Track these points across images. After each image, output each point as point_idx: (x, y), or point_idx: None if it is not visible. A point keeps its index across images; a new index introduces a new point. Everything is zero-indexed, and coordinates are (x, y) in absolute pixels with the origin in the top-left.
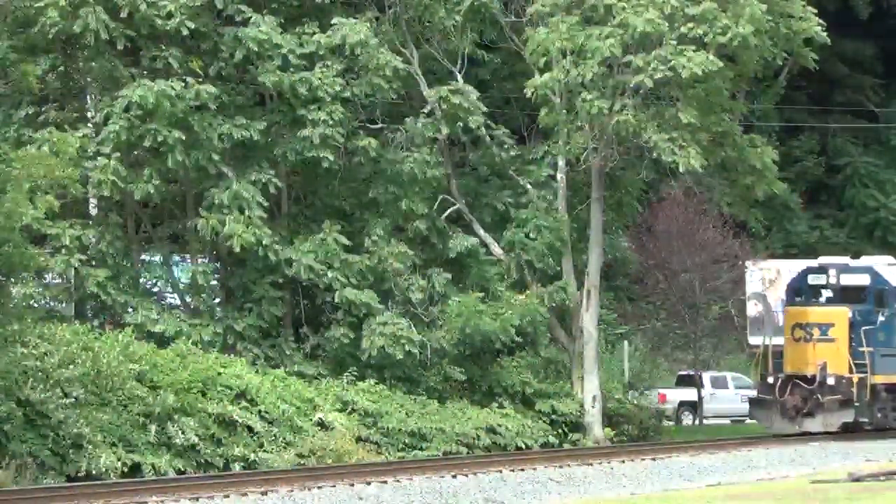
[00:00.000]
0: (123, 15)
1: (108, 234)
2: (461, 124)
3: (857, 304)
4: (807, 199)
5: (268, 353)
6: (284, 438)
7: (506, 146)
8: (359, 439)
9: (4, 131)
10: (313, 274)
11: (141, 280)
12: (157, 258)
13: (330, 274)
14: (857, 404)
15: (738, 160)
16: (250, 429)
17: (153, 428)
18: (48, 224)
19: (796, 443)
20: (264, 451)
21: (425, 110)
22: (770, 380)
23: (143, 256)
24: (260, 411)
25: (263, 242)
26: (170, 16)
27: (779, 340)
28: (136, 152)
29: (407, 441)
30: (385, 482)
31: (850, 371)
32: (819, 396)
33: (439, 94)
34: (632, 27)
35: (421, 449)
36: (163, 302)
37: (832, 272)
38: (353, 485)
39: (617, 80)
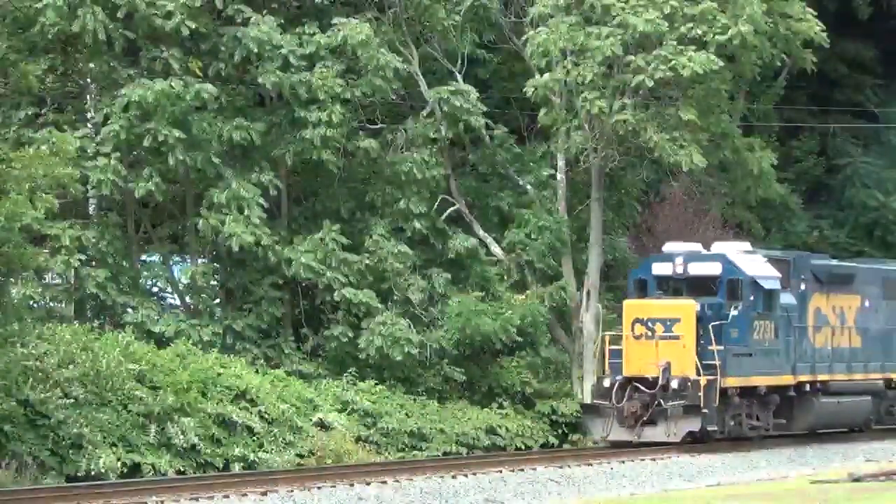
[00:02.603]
0: (121, 15)
1: (107, 234)
2: (461, 124)
3: (706, 296)
4: (807, 199)
5: (267, 353)
6: (284, 438)
7: (506, 146)
8: (359, 439)
9: (4, 131)
10: (312, 274)
11: (141, 280)
12: (157, 258)
13: (329, 274)
14: (705, 411)
15: (736, 163)
16: (250, 429)
17: (153, 428)
18: (48, 224)
19: (796, 443)
20: (264, 451)
21: (425, 111)
22: (606, 383)
23: (142, 256)
24: (260, 411)
25: (263, 242)
26: (169, 16)
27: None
28: (135, 152)
29: (407, 441)
30: (385, 482)
31: (698, 373)
32: (661, 402)
33: (439, 95)
34: (632, 27)
35: (421, 449)
36: (163, 302)
37: (678, 260)
38: (353, 485)
39: (617, 79)
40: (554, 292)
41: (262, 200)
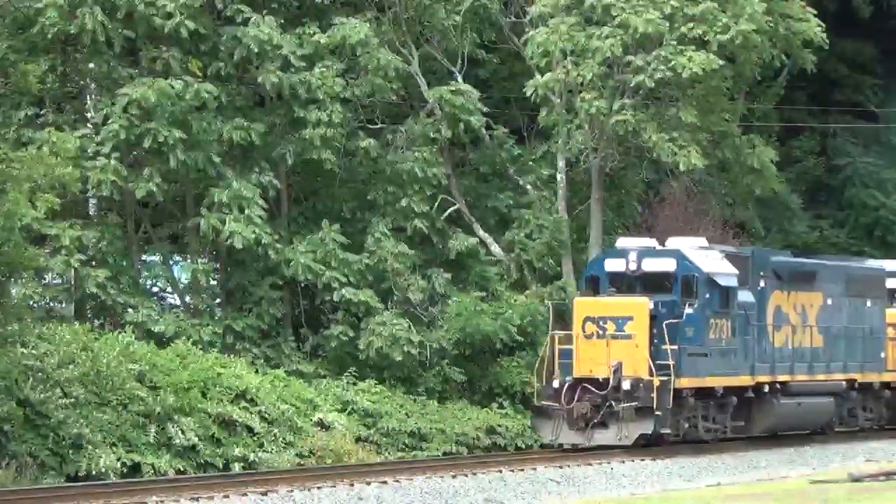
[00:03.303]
0: (121, 15)
1: (107, 234)
2: (461, 124)
3: (661, 294)
4: (807, 199)
5: (267, 353)
6: (284, 438)
7: (506, 146)
8: (359, 439)
9: (4, 131)
10: (312, 274)
11: (141, 280)
12: (157, 258)
13: (329, 273)
14: (658, 413)
15: (736, 161)
16: (250, 429)
17: (153, 428)
18: (48, 224)
19: (796, 443)
20: (264, 451)
21: (425, 110)
22: (556, 384)
23: (143, 256)
24: (260, 411)
25: (263, 242)
26: (169, 16)
27: None
28: (135, 152)
29: (407, 441)
30: (385, 482)
31: (651, 373)
32: (613, 404)
33: (439, 95)
34: (632, 27)
35: (421, 449)
36: (163, 302)
37: (632, 256)
38: (353, 485)
39: (617, 79)
40: (554, 292)
41: (261, 201)
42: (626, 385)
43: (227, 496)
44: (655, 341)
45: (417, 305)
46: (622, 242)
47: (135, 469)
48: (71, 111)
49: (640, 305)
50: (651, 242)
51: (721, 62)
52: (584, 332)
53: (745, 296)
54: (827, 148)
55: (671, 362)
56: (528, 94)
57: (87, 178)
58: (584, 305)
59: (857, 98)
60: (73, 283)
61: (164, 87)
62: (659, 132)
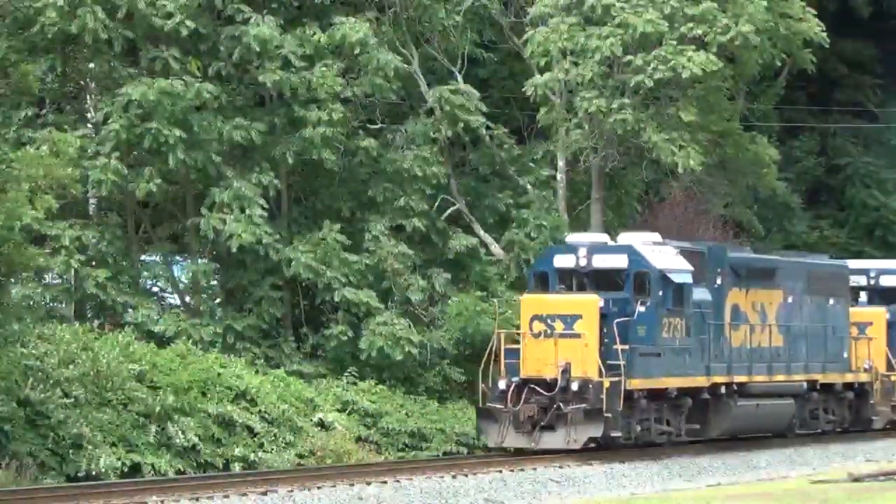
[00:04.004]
0: (121, 15)
1: (107, 234)
2: (461, 124)
3: (612, 291)
4: (807, 199)
5: (268, 353)
6: (284, 438)
7: (506, 146)
8: (359, 439)
9: (4, 131)
10: (313, 274)
11: (141, 280)
12: (157, 258)
13: (329, 273)
14: (608, 415)
15: (738, 158)
16: (250, 429)
17: (153, 428)
18: (48, 224)
19: (796, 443)
20: (264, 451)
21: (425, 110)
22: (502, 385)
23: (143, 256)
24: (260, 411)
25: (263, 242)
26: (169, 16)
27: None
28: (135, 152)
29: (407, 441)
30: (385, 482)
31: (601, 374)
32: (561, 406)
33: (439, 95)
34: (632, 27)
35: (421, 449)
36: (163, 302)
37: (582, 252)
38: (353, 485)
39: (616, 79)
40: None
41: (262, 200)
42: (574, 386)
43: (227, 496)
44: (606, 341)
45: (417, 305)
46: (573, 238)
47: (135, 469)
48: (71, 111)
49: (589, 303)
50: (603, 238)
51: (720, 63)
52: (531, 330)
53: (700, 293)
54: (827, 148)
55: (622, 362)
56: (528, 93)
57: (87, 178)
58: (531, 303)
59: (857, 98)
60: (73, 283)
61: (164, 86)
62: (658, 132)
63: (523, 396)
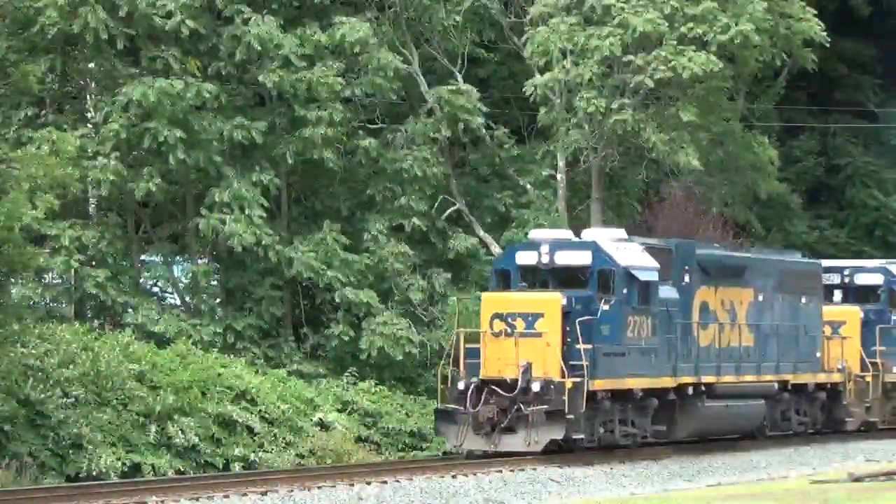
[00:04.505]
0: (122, 14)
1: (107, 234)
2: (461, 124)
3: (575, 289)
4: (807, 199)
5: (268, 353)
6: (284, 438)
7: (506, 146)
8: (359, 439)
9: (4, 131)
10: (313, 273)
11: (141, 280)
12: (157, 258)
13: (330, 273)
14: (570, 417)
15: (738, 157)
16: (250, 429)
17: (153, 428)
18: (48, 224)
19: (796, 443)
20: (264, 451)
21: (425, 110)
22: (461, 385)
23: (142, 256)
24: (260, 411)
25: (263, 242)
26: (169, 15)
27: None
28: (135, 152)
29: (407, 441)
30: (385, 482)
31: (563, 374)
32: (521, 407)
33: (439, 95)
34: (632, 27)
35: (421, 449)
36: (163, 302)
37: (544, 249)
38: (353, 485)
39: (616, 79)
40: None
41: (262, 200)
42: (535, 387)
43: (227, 496)
44: (568, 340)
45: (417, 305)
46: (535, 234)
47: (135, 469)
48: (71, 111)
49: (551, 301)
50: (567, 234)
51: (720, 64)
52: (491, 329)
53: (667, 291)
54: (827, 148)
55: (585, 362)
56: (528, 93)
57: (87, 177)
58: (491, 301)
59: (857, 98)
60: (73, 283)
61: (164, 86)
62: (658, 132)
63: (483, 397)
